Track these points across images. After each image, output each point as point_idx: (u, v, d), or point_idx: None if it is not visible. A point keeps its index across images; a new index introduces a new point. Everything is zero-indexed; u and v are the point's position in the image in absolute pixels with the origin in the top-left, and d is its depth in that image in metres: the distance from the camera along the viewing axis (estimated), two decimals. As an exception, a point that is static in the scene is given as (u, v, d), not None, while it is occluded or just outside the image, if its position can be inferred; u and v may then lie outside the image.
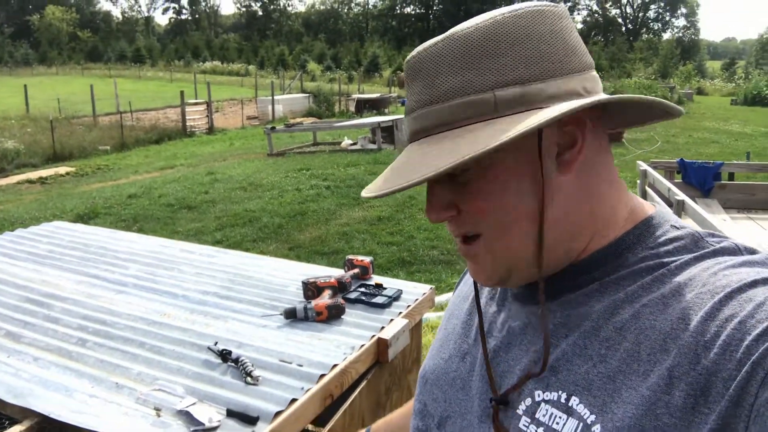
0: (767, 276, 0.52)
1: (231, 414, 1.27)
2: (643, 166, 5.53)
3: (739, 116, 19.39)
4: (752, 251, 0.57)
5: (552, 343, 0.60)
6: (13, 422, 1.27)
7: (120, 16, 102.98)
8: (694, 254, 0.57)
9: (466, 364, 0.70)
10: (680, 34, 78.25)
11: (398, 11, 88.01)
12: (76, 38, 76.55)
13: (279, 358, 1.51)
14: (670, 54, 50.18)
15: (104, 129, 17.94)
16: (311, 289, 1.88)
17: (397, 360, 1.76)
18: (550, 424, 0.56)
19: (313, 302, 1.77)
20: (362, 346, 1.60)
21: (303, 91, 28.72)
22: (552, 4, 0.59)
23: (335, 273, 2.04)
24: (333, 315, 1.76)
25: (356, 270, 2.08)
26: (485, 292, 0.75)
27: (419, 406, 0.75)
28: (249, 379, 1.39)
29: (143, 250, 2.43)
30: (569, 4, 78.84)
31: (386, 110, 22.26)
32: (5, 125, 16.94)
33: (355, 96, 26.33)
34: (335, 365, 1.48)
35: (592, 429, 0.52)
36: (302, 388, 1.37)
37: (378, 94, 26.86)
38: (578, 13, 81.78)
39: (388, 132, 12.80)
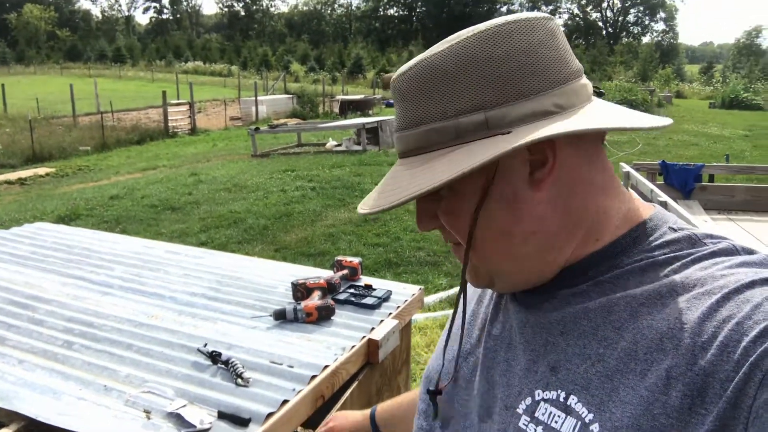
0: (765, 276, 0.52)
1: (222, 416, 1.25)
2: (626, 168, 5.60)
3: (718, 119, 19.75)
4: (750, 252, 0.57)
5: (550, 342, 0.60)
6: (0, 425, 1.25)
7: (100, 15, 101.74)
8: (692, 255, 0.57)
9: (469, 364, 0.70)
10: (659, 38, 79.52)
11: (381, 13, 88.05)
12: (54, 37, 75.36)
13: (269, 359, 1.50)
14: (649, 57, 50.89)
15: (84, 129, 17.65)
16: (300, 290, 1.87)
17: (387, 361, 1.76)
18: (549, 422, 0.56)
19: (303, 303, 1.76)
20: (353, 347, 1.60)
21: (286, 92, 28.56)
22: (528, 15, 0.58)
23: (324, 274, 2.03)
24: (323, 316, 1.75)
25: (345, 271, 2.07)
26: (489, 291, 0.75)
27: (423, 406, 0.75)
28: (239, 380, 1.38)
29: (128, 252, 2.40)
30: (551, 7, 79.78)
31: (370, 111, 22.26)
32: (-18, 125, 16.63)
33: (339, 97, 26.29)
34: (326, 366, 1.48)
35: (590, 428, 0.52)
36: (293, 390, 1.36)
37: (362, 96, 26.88)
38: (559, 17, 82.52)
39: (372, 133, 12.81)
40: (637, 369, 0.52)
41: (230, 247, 5.84)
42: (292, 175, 9.65)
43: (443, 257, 5.55)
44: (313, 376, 1.43)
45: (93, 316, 1.75)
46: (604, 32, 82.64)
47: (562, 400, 0.56)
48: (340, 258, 2.13)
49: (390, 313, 1.82)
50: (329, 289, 1.90)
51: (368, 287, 1.99)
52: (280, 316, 1.74)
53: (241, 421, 1.24)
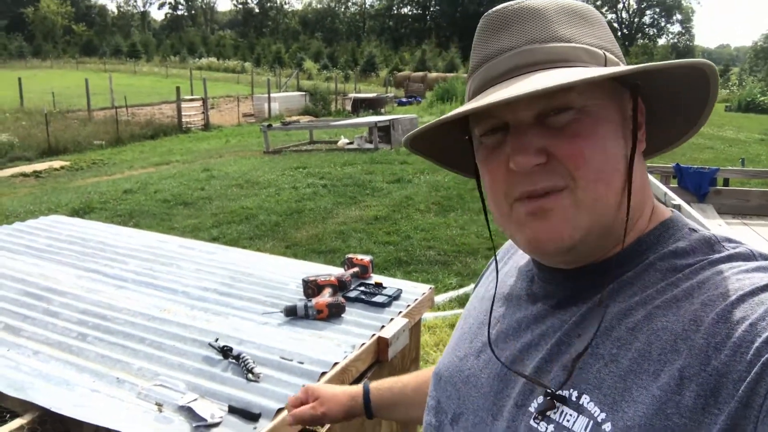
0: None
1: (233, 410, 1.27)
2: (640, 170, 5.55)
3: (733, 122, 19.53)
4: (767, 257, 0.57)
5: (564, 342, 0.60)
6: (14, 415, 1.27)
7: (115, 11, 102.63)
8: (709, 258, 0.58)
9: (480, 362, 0.71)
10: (675, 40, 78.76)
11: (395, 11, 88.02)
12: (71, 32, 76.07)
13: (280, 355, 1.51)
14: (665, 59, 50.36)
15: (99, 123, 17.83)
16: (311, 288, 1.88)
17: (396, 359, 1.76)
18: (560, 421, 0.56)
19: (314, 300, 1.77)
20: (362, 344, 1.60)
21: (299, 90, 28.67)
22: None
23: (335, 271, 2.04)
24: (333, 313, 1.76)
25: (356, 269, 2.08)
26: (504, 291, 0.75)
27: (433, 403, 0.76)
28: (250, 375, 1.39)
29: (142, 246, 2.42)
30: (566, 7, 79.01)
31: (383, 110, 22.24)
32: (-1, 118, 16.85)
33: (352, 95, 26.31)
34: (336, 363, 1.48)
35: (603, 427, 0.53)
36: (303, 386, 1.37)
37: (375, 94, 26.84)
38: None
39: (384, 132, 12.80)
40: (650, 369, 0.52)
41: (242, 243, 5.87)
42: (303, 172, 9.69)
43: (453, 257, 5.55)
44: (323, 373, 1.43)
45: (107, 309, 1.77)
46: (619, 33, 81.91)
47: (574, 399, 0.56)
48: (350, 256, 2.13)
49: (400, 312, 1.83)
50: (340, 286, 1.90)
51: (379, 285, 1.99)
52: (291, 313, 1.75)
53: (252, 416, 1.25)
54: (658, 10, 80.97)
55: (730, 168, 6.60)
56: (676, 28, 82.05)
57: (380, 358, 1.67)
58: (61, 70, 46.27)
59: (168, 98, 22.30)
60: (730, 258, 0.57)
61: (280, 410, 1.27)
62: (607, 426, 0.52)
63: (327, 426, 1.47)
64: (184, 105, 19.38)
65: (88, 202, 7.91)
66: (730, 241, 0.60)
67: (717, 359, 0.49)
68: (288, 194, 8.15)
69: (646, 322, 0.55)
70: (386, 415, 0.99)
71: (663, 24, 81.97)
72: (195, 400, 1.29)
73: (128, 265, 2.18)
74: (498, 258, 0.81)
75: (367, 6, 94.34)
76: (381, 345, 1.66)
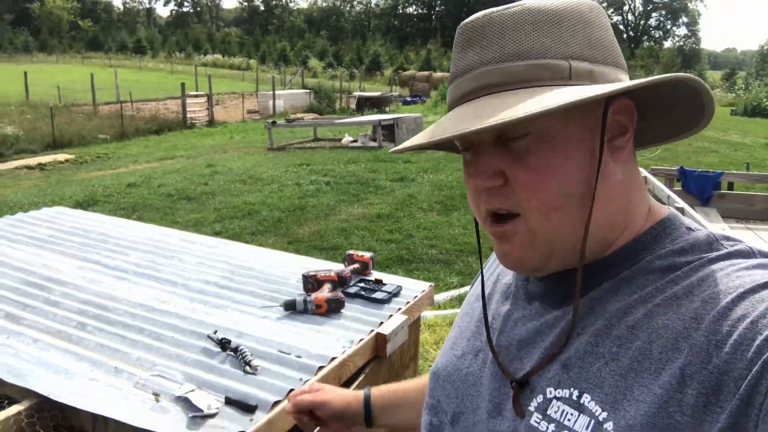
0: None
1: (229, 402, 1.27)
2: (644, 172, 5.54)
3: (739, 127, 19.44)
4: (766, 254, 0.57)
5: (561, 340, 0.60)
6: (12, 402, 1.27)
7: (121, 7, 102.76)
8: (708, 256, 0.57)
9: (479, 361, 0.70)
10: (681, 43, 78.42)
11: (400, 11, 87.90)
12: (76, 27, 76.28)
13: (278, 348, 1.51)
14: (671, 62, 50.37)
15: (104, 118, 17.87)
16: (311, 283, 1.88)
17: (395, 355, 1.76)
18: (561, 420, 0.56)
19: (313, 295, 1.77)
20: (361, 340, 1.60)
21: (304, 87, 28.67)
22: (595, 3, 0.62)
23: (335, 267, 2.04)
24: (332, 309, 1.76)
25: (356, 265, 2.08)
26: (499, 290, 0.75)
27: (432, 402, 0.75)
28: (248, 368, 1.39)
29: (144, 238, 2.43)
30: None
31: (387, 108, 22.25)
32: (5, 111, 16.87)
33: (357, 93, 26.33)
34: (334, 358, 1.49)
35: (604, 426, 0.52)
36: (300, 379, 1.37)
37: (379, 93, 26.86)
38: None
39: (389, 130, 12.79)
40: (651, 368, 0.52)
41: (244, 238, 5.88)
42: (307, 169, 9.69)
43: (455, 256, 5.54)
44: (321, 367, 1.43)
45: (107, 300, 1.77)
46: (625, 36, 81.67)
47: (575, 398, 0.56)
48: (351, 252, 2.13)
49: (399, 309, 1.83)
50: (340, 282, 1.90)
51: (378, 282, 1.99)
52: (290, 307, 1.75)
53: (248, 408, 1.25)
54: (664, 12, 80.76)
55: (734, 172, 6.57)
56: (682, 30, 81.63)
57: (378, 354, 1.67)
58: (66, 65, 46.38)
59: (173, 94, 22.35)
60: (730, 255, 0.57)
61: (276, 402, 1.27)
62: (609, 425, 0.52)
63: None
64: (188, 101, 19.41)
65: (91, 195, 7.93)
66: (728, 239, 0.59)
67: (718, 357, 0.49)
68: (291, 191, 8.16)
69: (646, 321, 0.55)
70: (387, 419, 0.96)
71: (669, 27, 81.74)
72: (192, 390, 1.29)
73: (129, 257, 2.19)
74: (495, 257, 0.81)
75: (372, 5, 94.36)
76: (379, 341, 1.66)
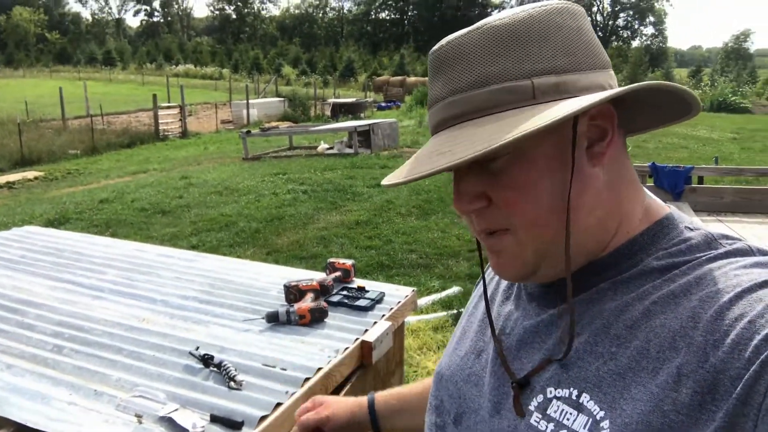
0: None
1: (215, 419, 1.24)
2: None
3: (706, 122, 19.90)
4: (765, 253, 0.57)
5: (561, 341, 0.61)
6: (-12, 432, 1.23)
7: (90, 18, 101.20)
8: (707, 255, 0.57)
9: (482, 361, 0.71)
10: (649, 42, 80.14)
11: (373, 16, 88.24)
12: (44, 40, 74.88)
13: (262, 362, 1.49)
14: (639, 61, 51.29)
15: (74, 133, 17.54)
16: (293, 293, 1.86)
17: (381, 363, 1.75)
18: (561, 419, 0.56)
19: (296, 306, 1.75)
20: (346, 349, 1.59)
21: (278, 96, 28.51)
22: (571, 2, 0.61)
23: (317, 276, 2.02)
24: (316, 318, 1.74)
25: (338, 273, 2.06)
26: (501, 290, 0.76)
27: (436, 402, 0.76)
28: (232, 383, 1.37)
29: (119, 255, 2.38)
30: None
31: (362, 115, 22.25)
32: (-30, 128, 16.46)
33: (331, 100, 26.30)
34: (319, 369, 1.47)
35: (601, 425, 0.53)
36: (287, 392, 1.35)
37: (354, 99, 26.87)
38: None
39: (364, 136, 12.80)
40: (649, 367, 0.52)
41: (222, 251, 5.81)
42: (283, 178, 9.63)
43: (435, 259, 5.56)
44: (307, 379, 1.42)
45: (83, 320, 1.73)
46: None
47: (574, 397, 0.56)
48: (332, 260, 2.12)
49: (383, 315, 1.82)
50: (322, 291, 1.89)
51: (361, 289, 1.98)
52: (273, 319, 1.73)
53: (234, 425, 1.23)
54: (631, 12, 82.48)
55: (704, 166, 6.72)
56: (650, 30, 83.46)
57: (364, 362, 1.66)
58: (34, 79, 45.48)
59: (144, 106, 22.06)
60: (728, 254, 0.57)
61: (263, 418, 1.25)
62: (606, 424, 0.53)
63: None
64: (161, 113, 19.14)
65: (63, 213, 7.76)
66: (727, 237, 0.60)
67: (715, 356, 0.49)
68: (268, 201, 8.10)
69: (644, 320, 0.55)
70: (392, 423, 0.97)
71: (636, 26, 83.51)
72: (176, 410, 1.26)
73: (105, 275, 2.14)
74: None
75: (345, 11, 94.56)
76: (365, 349, 1.65)
